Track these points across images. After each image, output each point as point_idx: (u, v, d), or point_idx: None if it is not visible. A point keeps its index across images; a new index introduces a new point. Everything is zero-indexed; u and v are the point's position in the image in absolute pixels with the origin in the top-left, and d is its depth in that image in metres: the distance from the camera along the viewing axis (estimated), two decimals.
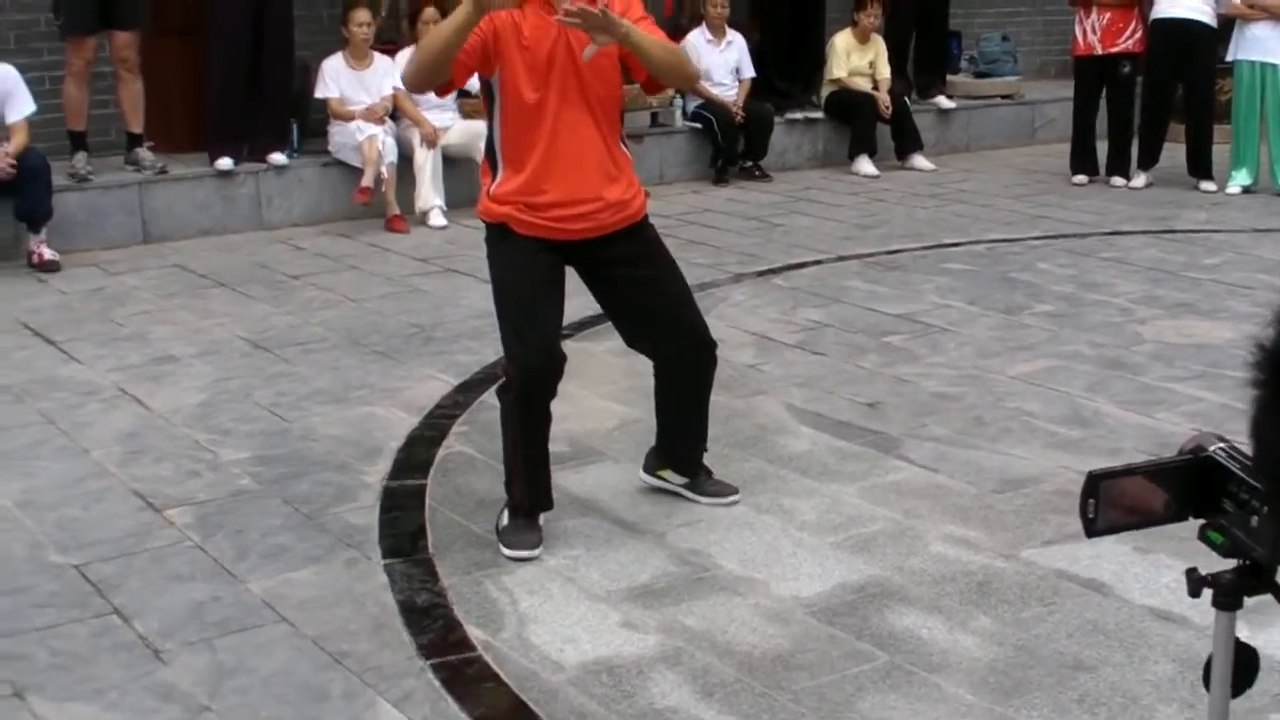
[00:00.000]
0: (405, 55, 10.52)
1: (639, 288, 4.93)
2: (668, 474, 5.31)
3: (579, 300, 5.19)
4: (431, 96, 10.42)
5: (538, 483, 4.93)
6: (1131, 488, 2.04)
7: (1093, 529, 2.04)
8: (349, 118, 10.38)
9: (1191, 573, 2.11)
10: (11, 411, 6.43)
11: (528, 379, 4.76)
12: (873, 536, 4.97)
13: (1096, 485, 2.02)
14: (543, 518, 4.96)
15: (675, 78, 5.08)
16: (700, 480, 5.29)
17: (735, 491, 5.27)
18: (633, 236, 4.91)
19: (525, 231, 4.77)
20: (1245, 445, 2.10)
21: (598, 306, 5.18)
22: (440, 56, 4.55)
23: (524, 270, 4.79)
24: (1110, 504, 2.02)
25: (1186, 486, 2.07)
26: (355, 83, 10.51)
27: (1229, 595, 2.12)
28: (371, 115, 10.37)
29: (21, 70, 9.31)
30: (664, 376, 5.14)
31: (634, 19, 4.70)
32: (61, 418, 6.33)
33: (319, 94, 10.57)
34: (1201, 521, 2.10)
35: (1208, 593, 2.15)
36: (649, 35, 4.68)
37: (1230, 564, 2.12)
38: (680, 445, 5.27)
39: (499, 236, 4.85)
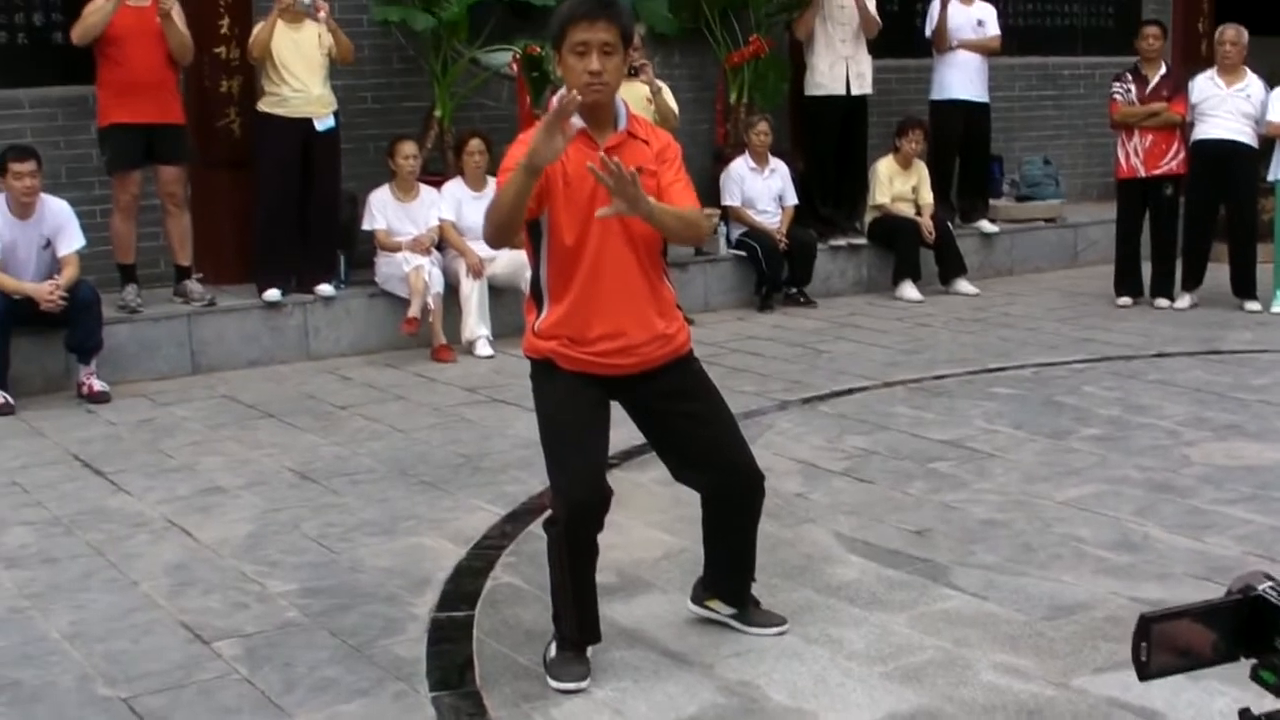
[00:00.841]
0: (451, 187, 10.69)
1: (684, 421, 4.93)
2: (715, 604, 5.29)
3: (626, 430, 5.19)
4: (478, 226, 10.61)
5: (586, 616, 4.91)
6: (1182, 630, 2.03)
7: (1145, 672, 2.03)
8: (396, 249, 10.48)
9: (1245, 713, 2.10)
10: (61, 543, 6.47)
11: (573, 514, 4.74)
12: (922, 666, 4.93)
13: (1148, 628, 2.01)
14: (590, 649, 4.94)
15: (687, 240, 5.07)
16: (748, 611, 5.26)
17: (783, 622, 5.25)
18: (678, 370, 4.91)
19: (570, 367, 4.79)
20: None
21: (643, 436, 5.19)
22: (510, 218, 4.55)
23: (569, 405, 4.79)
24: (1162, 647, 2.01)
25: (1237, 627, 2.06)
26: (402, 215, 10.63)
27: None
28: (418, 246, 10.46)
29: (73, 204, 9.48)
30: (711, 509, 5.13)
31: (671, 175, 4.76)
32: (110, 549, 6.36)
33: (366, 226, 10.69)
34: (1254, 661, 2.09)
35: None
36: (667, 211, 4.65)
37: None
38: (728, 577, 5.25)
39: (544, 372, 4.86)
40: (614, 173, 4.41)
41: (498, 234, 4.67)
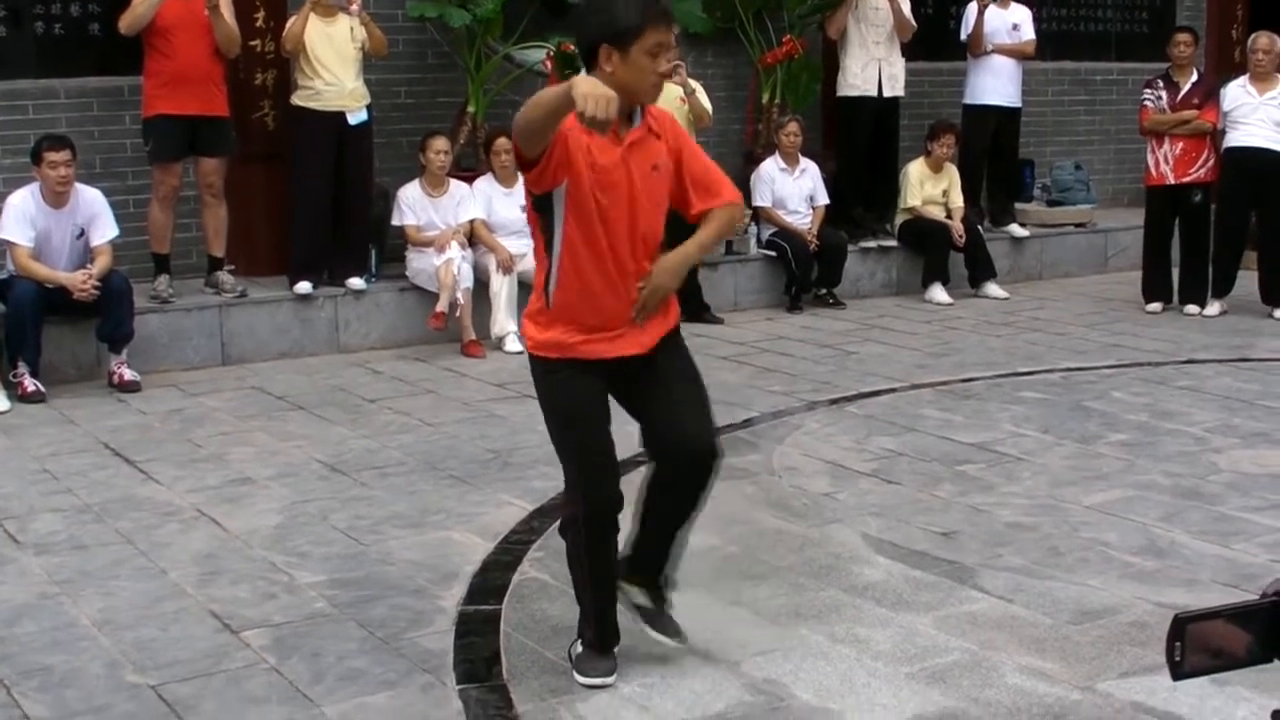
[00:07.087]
0: (481, 183, 10.73)
1: (656, 378, 4.80)
2: (630, 589, 5.01)
3: None
4: (508, 222, 10.59)
5: (607, 621, 4.89)
6: (1216, 631, 2.04)
7: (1179, 672, 2.04)
8: (427, 243, 10.50)
9: (1277, 715, 2.10)
10: (91, 531, 6.50)
11: (596, 513, 4.73)
12: (948, 667, 4.94)
13: (1183, 628, 2.01)
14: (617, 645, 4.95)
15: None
16: (658, 609, 5.02)
17: (680, 634, 5.02)
18: (669, 343, 4.86)
19: (578, 356, 4.72)
20: None
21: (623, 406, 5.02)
22: (541, 127, 4.39)
23: (582, 403, 4.74)
24: (1195, 647, 2.02)
25: (1272, 628, 2.07)
26: (430, 210, 10.64)
27: None
28: (452, 237, 10.45)
29: (107, 194, 9.54)
30: (655, 475, 4.89)
31: (689, 155, 4.81)
32: (140, 538, 6.39)
33: (395, 221, 10.73)
34: None
35: None
36: (703, 242, 4.87)
37: None
38: (651, 552, 4.98)
39: (551, 367, 4.79)
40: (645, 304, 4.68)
41: (524, 136, 4.53)
